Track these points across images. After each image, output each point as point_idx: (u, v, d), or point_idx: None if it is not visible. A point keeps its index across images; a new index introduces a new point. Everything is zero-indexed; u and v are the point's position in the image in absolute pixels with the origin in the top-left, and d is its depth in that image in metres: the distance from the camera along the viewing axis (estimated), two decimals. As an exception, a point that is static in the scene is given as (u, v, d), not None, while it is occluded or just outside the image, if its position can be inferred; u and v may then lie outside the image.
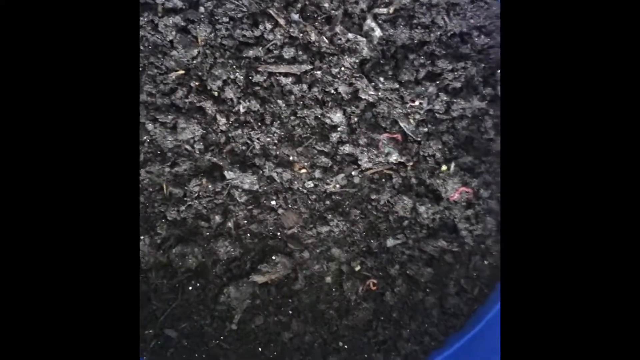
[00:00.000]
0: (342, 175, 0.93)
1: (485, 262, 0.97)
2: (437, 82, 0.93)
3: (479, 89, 0.95)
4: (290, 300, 0.92)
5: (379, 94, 0.92)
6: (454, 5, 0.94)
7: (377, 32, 0.92)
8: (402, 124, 0.94)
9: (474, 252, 0.96)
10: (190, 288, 0.89)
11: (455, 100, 0.94)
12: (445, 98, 0.93)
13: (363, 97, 0.92)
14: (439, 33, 0.94)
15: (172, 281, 0.89)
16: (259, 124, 0.90)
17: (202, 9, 0.89)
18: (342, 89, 0.91)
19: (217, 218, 0.90)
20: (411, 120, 0.94)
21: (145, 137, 0.89)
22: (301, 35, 0.90)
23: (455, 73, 0.93)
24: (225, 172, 0.88)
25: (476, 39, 0.96)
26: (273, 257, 0.89)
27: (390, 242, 0.95)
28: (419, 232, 0.95)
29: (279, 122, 0.90)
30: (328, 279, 0.92)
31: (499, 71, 0.97)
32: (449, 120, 0.96)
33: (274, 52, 0.90)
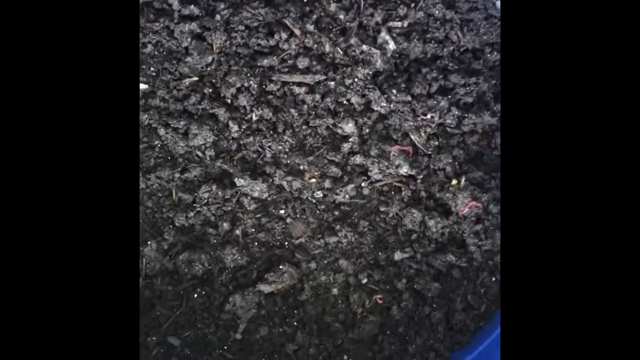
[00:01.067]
0: (352, 186, 0.92)
1: (493, 278, 0.96)
2: (449, 97, 0.93)
3: (490, 104, 0.95)
4: (295, 311, 0.91)
5: (391, 106, 0.92)
6: (467, 21, 0.95)
7: (391, 45, 0.92)
8: (413, 137, 0.94)
9: (482, 268, 0.95)
10: (195, 295, 0.88)
11: (466, 115, 0.94)
12: (456, 112, 0.93)
13: (375, 109, 0.92)
14: (452, 48, 0.95)
15: (177, 288, 0.88)
16: (271, 132, 0.90)
17: (218, 17, 0.89)
18: (355, 100, 0.92)
19: (226, 225, 0.89)
20: (422, 134, 0.95)
21: (156, 142, 0.89)
22: (316, 45, 0.91)
23: (467, 88, 0.94)
24: (236, 180, 0.88)
25: (488, 55, 0.96)
26: (280, 267, 0.89)
27: (398, 256, 0.94)
28: (427, 246, 0.94)
29: (290, 131, 0.90)
30: (334, 291, 0.91)
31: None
32: (460, 134, 0.96)
33: (289, 61, 0.91)
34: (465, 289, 0.96)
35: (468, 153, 0.96)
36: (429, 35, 0.94)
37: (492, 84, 0.96)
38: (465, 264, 0.94)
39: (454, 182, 0.94)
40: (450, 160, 0.94)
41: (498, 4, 0.96)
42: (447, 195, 0.93)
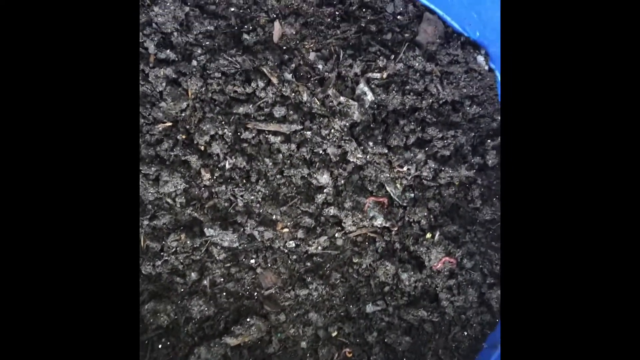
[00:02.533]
0: (325, 237, 0.91)
1: (465, 333, 0.95)
2: (426, 149, 0.93)
3: (467, 157, 0.95)
4: (263, 364, 0.89)
5: (367, 157, 0.91)
6: (447, 74, 0.95)
7: (369, 96, 0.92)
8: (388, 189, 0.93)
9: (454, 323, 0.94)
10: (160, 346, 0.86)
11: (443, 168, 0.93)
12: (433, 165, 0.93)
13: (351, 160, 0.91)
14: (431, 100, 0.94)
15: (141, 337, 0.86)
16: (244, 181, 0.89)
17: (194, 62, 0.88)
18: (331, 150, 0.91)
19: (194, 275, 0.87)
20: (398, 185, 0.94)
21: (126, 187, 0.87)
22: (293, 94, 0.90)
23: (445, 141, 0.93)
24: (205, 229, 0.86)
25: (468, 108, 0.96)
26: (248, 320, 0.87)
27: (369, 308, 0.92)
28: (399, 299, 0.93)
29: (264, 180, 0.89)
30: (303, 344, 0.90)
31: (489, 141, 0.97)
32: (436, 187, 0.95)
33: (265, 109, 0.89)
34: (436, 343, 0.94)
35: (444, 205, 0.95)
36: (408, 87, 0.93)
37: (470, 137, 0.96)
38: (438, 319, 0.93)
39: (429, 235, 0.93)
40: (426, 213, 0.93)
41: (479, 58, 0.96)
42: (422, 248, 0.92)
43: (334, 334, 0.91)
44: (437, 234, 0.92)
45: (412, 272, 0.92)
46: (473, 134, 0.96)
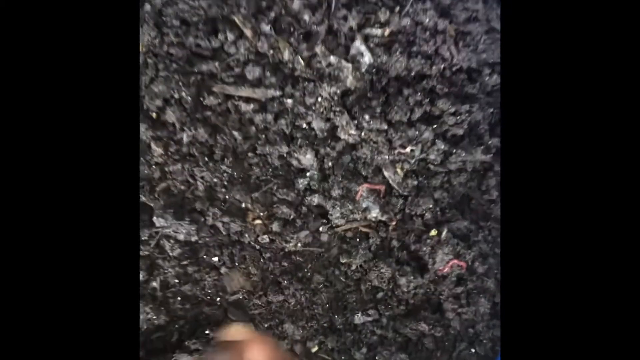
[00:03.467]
0: (307, 231, 0.74)
1: (473, 350, 0.79)
2: (435, 127, 0.75)
3: (484, 138, 0.78)
4: (225, 385, 0.72)
5: (362, 134, 0.74)
6: (464, 34, 0.77)
7: (367, 58, 0.74)
8: (387, 174, 0.76)
9: (461, 338, 0.78)
10: (95, 362, 0.69)
11: (454, 150, 0.76)
12: (442, 146, 0.75)
13: (342, 137, 0.74)
14: (442, 66, 0.76)
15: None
16: (206, 159, 0.71)
17: (147, 7, 0.69)
18: (317, 124, 0.73)
19: (140, 275, 0.70)
20: (399, 170, 0.76)
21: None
22: (271, 52, 0.72)
23: (458, 117, 0.76)
24: (155, 218, 0.69)
25: (487, 78, 0.78)
26: (207, 332, 0.70)
27: (359, 319, 0.76)
28: (395, 308, 0.76)
29: (232, 158, 0.71)
30: (276, 362, 0.73)
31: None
32: (445, 173, 0.78)
33: (235, 69, 0.71)
34: (438, 361, 0.78)
35: (453, 196, 0.78)
36: (415, 49, 0.75)
37: (489, 113, 0.78)
38: (440, 333, 0.76)
39: (434, 232, 0.76)
40: (431, 205, 0.76)
41: (502, 15, 0.77)
42: (424, 248, 0.75)
43: (314, 350, 0.74)
44: (444, 231, 0.76)
45: (411, 277, 0.75)
46: (492, 110, 0.79)
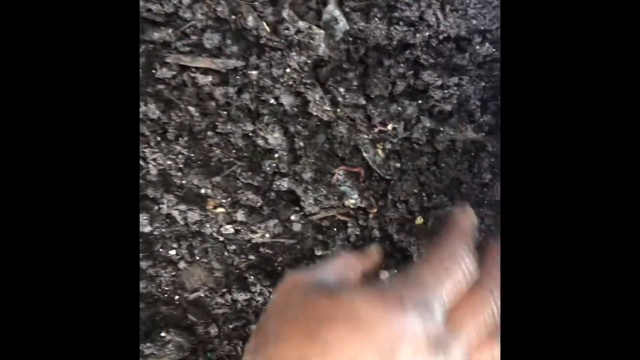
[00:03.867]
0: (276, 220, 0.65)
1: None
2: (420, 102, 0.67)
3: (475, 115, 0.70)
4: (186, 395, 0.64)
5: (338, 110, 0.66)
6: (451, -3, 0.68)
7: (342, 24, 0.65)
8: (366, 155, 0.68)
9: (451, 338, 0.70)
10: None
11: (442, 128, 0.68)
12: (428, 124, 0.67)
13: (314, 113, 0.66)
14: (427, 34, 0.68)
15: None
16: (159, 138, 0.62)
17: (89, -35, 0.61)
18: (286, 99, 0.64)
19: (85, 271, 0.61)
20: (379, 151, 0.68)
21: None
22: (233, 17, 0.63)
23: (446, 91, 0.68)
24: (102, 206, 0.60)
25: (477, 48, 0.70)
26: (163, 334, 0.62)
27: None
28: (378, 305, 0.68)
29: (188, 138, 0.63)
30: None
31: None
32: (432, 154, 0.70)
33: (191, 37, 0.63)
34: None
35: (441, 180, 0.70)
36: (396, 14, 0.67)
37: (480, 87, 0.70)
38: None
39: (419, 220, 0.68)
40: (416, 190, 0.68)
41: (495, -24, 0.69)
42: (409, 238, 0.67)
43: (286, 353, 0.67)
44: (431, 219, 0.68)
45: (394, 270, 0.67)
46: (483, 83, 0.71)
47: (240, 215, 0.65)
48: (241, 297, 0.65)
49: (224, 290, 0.65)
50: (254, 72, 0.63)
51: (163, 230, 0.64)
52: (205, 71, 0.63)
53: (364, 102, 0.65)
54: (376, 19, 0.66)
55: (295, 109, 0.65)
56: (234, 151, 0.65)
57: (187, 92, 0.63)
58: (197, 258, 0.65)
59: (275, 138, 0.64)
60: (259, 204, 0.65)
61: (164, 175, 0.63)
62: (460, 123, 0.69)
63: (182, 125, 0.63)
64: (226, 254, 0.65)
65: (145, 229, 0.63)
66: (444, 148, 0.70)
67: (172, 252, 0.64)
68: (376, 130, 0.67)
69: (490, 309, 0.40)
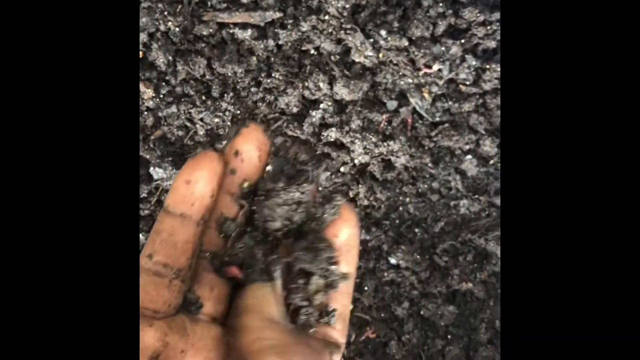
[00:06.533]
0: (327, 173, 0.64)
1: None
2: (463, 41, 0.65)
3: (520, 51, 0.67)
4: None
5: (380, 55, 0.64)
6: None
7: (377, -34, 0.64)
8: (413, 100, 0.66)
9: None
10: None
11: (487, 67, 0.66)
12: (473, 63, 0.65)
13: (357, 60, 0.64)
14: (464, -30, 0.66)
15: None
16: (204, 97, 0.62)
17: None
18: (327, 46, 0.63)
19: (142, 238, 0.61)
20: (426, 95, 0.66)
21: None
22: (266, -31, 0.62)
23: (488, 28, 0.65)
24: (153, 169, 0.60)
25: (517, -20, 0.68)
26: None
27: (395, 259, 0.66)
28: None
29: (232, 94, 0.62)
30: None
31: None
32: (479, 95, 0.68)
33: (227, -7, 0.62)
34: (491, 311, 0.69)
35: (491, 121, 0.68)
36: (431, -48, 0.65)
37: (522, 23, 0.68)
38: (494, 279, 0.67)
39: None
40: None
41: None
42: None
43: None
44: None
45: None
46: (526, 17, 0.68)
47: (290, 171, 0.63)
48: (299, 252, 0.63)
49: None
50: (291, 22, 0.62)
51: (215, 191, 0.63)
52: (244, 26, 0.62)
53: (406, 44, 0.63)
54: (411, -42, 0.64)
55: (337, 57, 0.64)
56: (278, 105, 0.63)
57: (228, 48, 0.62)
58: (251, 217, 0.64)
59: (320, 87, 0.63)
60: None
61: (211, 134, 0.62)
62: (506, 60, 0.66)
63: (226, 82, 0.62)
64: (279, 211, 0.64)
65: (198, 190, 0.62)
66: (491, 88, 0.67)
67: (226, 212, 0.63)
68: (421, 73, 0.65)
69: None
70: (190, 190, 0.31)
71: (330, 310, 0.33)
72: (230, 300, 0.34)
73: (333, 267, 0.33)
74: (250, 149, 0.33)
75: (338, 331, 0.34)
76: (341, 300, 0.34)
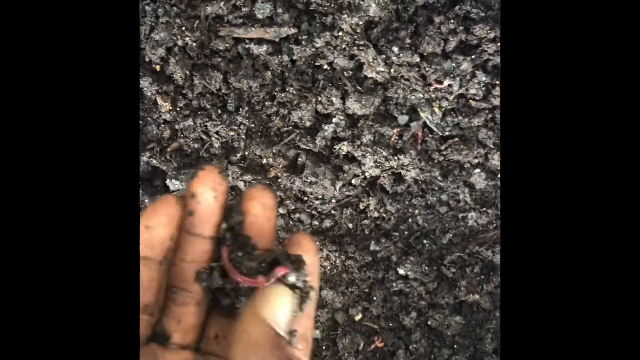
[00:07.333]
0: (340, 183, 0.66)
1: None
2: (473, 57, 0.66)
3: (529, 67, 0.68)
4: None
5: (392, 70, 0.65)
6: (498, -53, 0.67)
7: (390, -16, 0.65)
8: (423, 114, 0.67)
9: (521, 295, 0.69)
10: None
11: (497, 82, 0.67)
12: (483, 78, 0.66)
13: (369, 75, 0.65)
14: (476, -13, 0.67)
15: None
16: (219, 111, 0.63)
17: (139, -54, 0.62)
18: (340, 62, 0.64)
19: (157, 246, 0.63)
20: (436, 109, 0.67)
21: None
22: (282, -15, 0.63)
23: (499, 44, 0.66)
24: (170, 181, 0.61)
25: (527, -3, 0.69)
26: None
27: (403, 270, 0.68)
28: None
29: (247, 108, 0.63)
30: (316, 333, 0.65)
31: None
32: (488, 110, 0.69)
33: (243, 9, 0.63)
34: (497, 321, 0.70)
35: (499, 136, 0.69)
36: (443, -31, 0.66)
37: (532, 39, 0.69)
38: (498, 290, 0.68)
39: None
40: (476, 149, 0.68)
41: None
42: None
43: (357, 318, 0.67)
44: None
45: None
46: (535, 34, 0.69)
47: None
48: (310, 263, 0.65)
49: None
50: (306, 38, 0.63)
51: (229, 202, 0.64)
52: (259, 41, 0.63)
53: (417, 60, 0.65)
54: (423, -24, 0.65)
55: (350, 72, 0.65)
56: (291, 119, 0.65)
57: (243, 63, 0.63)
58: (264, 228, 0.65)
59: (332, 103, 0.64)
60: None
61: (226, 147, 0.64)
62: (516, 75, 0.67)
63: (241, 97, 0.63)
64: (291, 222, 0.66)
65: (212, 201, 0.63)
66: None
67: (239, 223, 0.65)
68: (431, 88, 0.66)
69: None
70: (150, 235, 0.33)
71: (291, 331, 0.35)
72: (202, 329, 0.36)
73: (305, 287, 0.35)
74: (205, 191, 0.34)
75: (300, 351, 0.36)
76: (303, 323, 0.36)
